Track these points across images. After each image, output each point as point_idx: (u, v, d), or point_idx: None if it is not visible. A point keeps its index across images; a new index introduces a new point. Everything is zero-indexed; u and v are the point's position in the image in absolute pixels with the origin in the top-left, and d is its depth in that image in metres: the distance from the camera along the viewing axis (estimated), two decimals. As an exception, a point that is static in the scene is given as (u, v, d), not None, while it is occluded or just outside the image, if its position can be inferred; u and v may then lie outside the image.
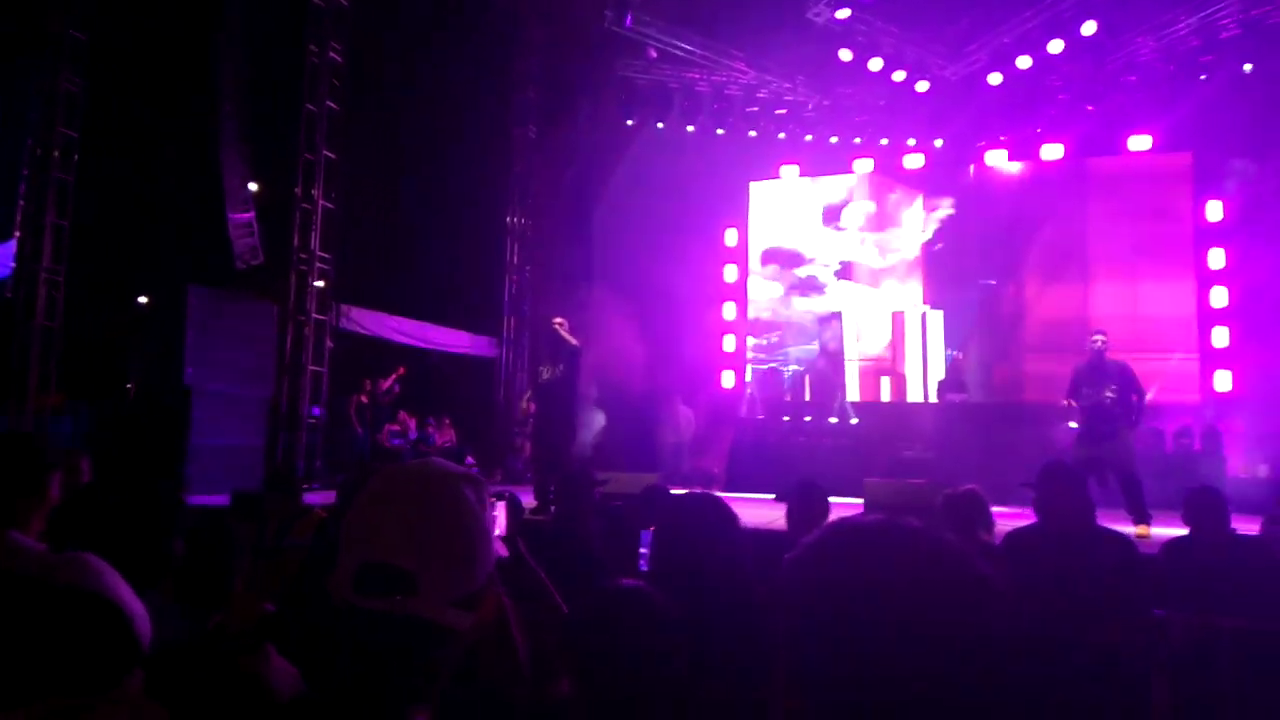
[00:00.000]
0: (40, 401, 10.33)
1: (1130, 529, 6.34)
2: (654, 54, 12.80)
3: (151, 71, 11.83)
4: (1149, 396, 7.43)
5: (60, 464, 2.42)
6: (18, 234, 10.98)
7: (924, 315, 13.58)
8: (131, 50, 11.73)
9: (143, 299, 12.97)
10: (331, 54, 10.77)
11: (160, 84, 11.74)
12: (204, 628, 2.18)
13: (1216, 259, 12.00)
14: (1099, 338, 7.23)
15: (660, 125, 13.31)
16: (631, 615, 1.69)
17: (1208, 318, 11.95)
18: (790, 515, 3.60)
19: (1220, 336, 11.80)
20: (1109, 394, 6.91)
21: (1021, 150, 13.12)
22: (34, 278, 10.68)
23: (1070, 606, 2.97)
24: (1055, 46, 11.20)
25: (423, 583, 0.96)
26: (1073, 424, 7.87)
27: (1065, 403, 7.34)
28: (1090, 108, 12.34)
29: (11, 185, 11.40)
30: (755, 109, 13.49)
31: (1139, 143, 12.45)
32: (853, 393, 13.63)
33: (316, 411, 10.52)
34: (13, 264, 10.98)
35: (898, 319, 13.77)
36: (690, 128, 13.41)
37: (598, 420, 11.64)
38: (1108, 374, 7.02)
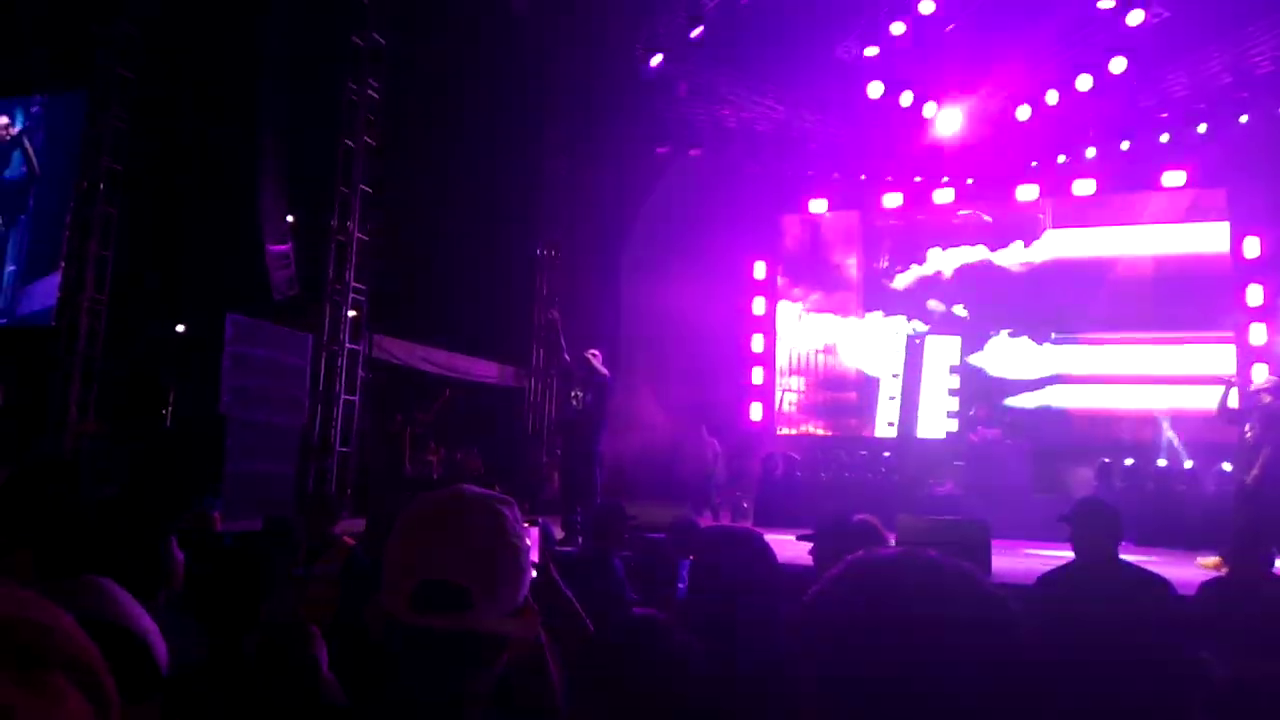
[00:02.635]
0: (80, 428, 10.54)
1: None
2: (684, 91, 12.95)
3: (194, 107, 12.18)
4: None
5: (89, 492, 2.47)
6: (63, 264, 11.29)
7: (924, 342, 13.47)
8: (175, 86, 12.10)
9: (181, 328, 13.22)
10: (369, 91, 11.03)
11: (202, 119, 12.07)
12: (234, 649, 2.21)
13: (1255, 296, 11.82)
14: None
15: (693, 154, 13.41)
16: (647, 645, 1.70)
17: (1248, 355, 11.76)
18: (819, 553, 3.51)
19: (1260, 374, 11.57)
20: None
21: (1053, 186, 13.06)
22: (77, 307, 10.96)
23: (1104, 646, 2.93)
24: (1084, 83, 11.20)
25: (477, 598, 1.00)
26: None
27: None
28: (1123, 143, 12.28)
29: (57, 219, 11.74)
30: (784, 144, 13.58)
31: (1173, 179, 12.35)
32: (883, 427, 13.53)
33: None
34: (58, 294, 11.27)
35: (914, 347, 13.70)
36: (720, 160, 13.52)
37: None
38: None
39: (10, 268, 12.53)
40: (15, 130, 12.88)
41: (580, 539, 7.45)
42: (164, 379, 12.70)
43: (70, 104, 12.34)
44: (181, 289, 12.56)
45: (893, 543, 6.80)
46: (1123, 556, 3.27)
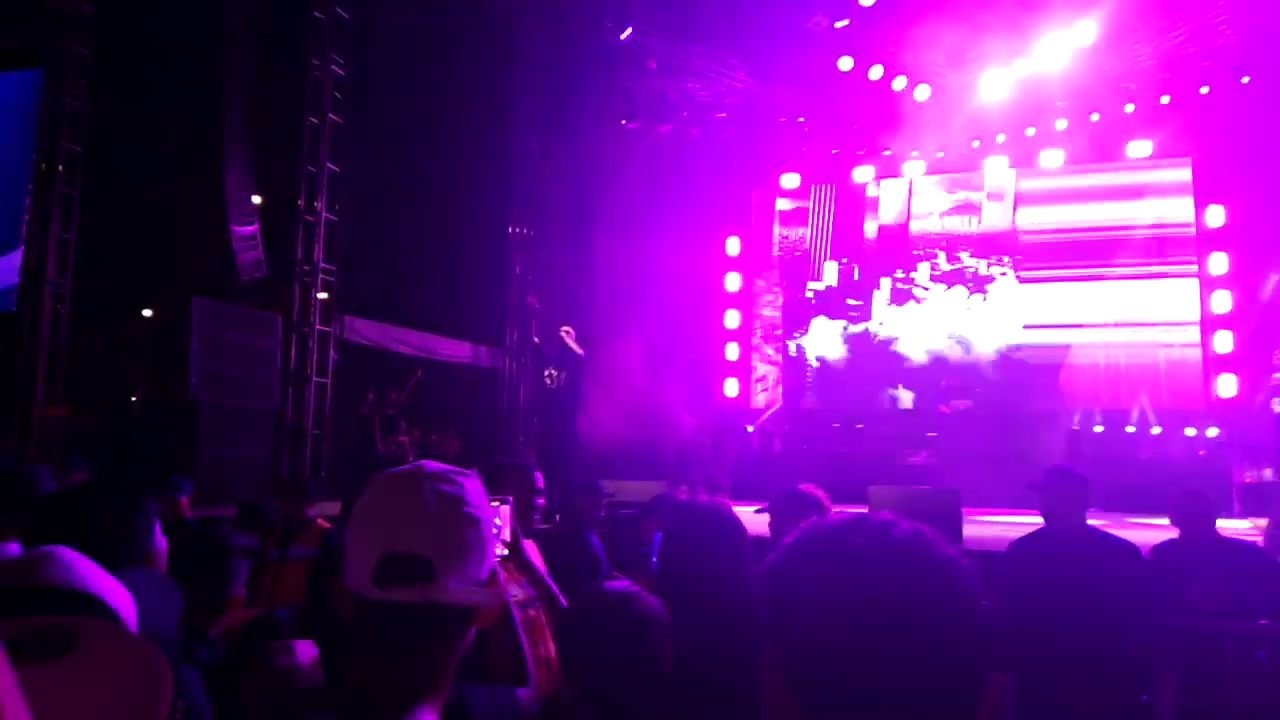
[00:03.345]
0: (45, 413, 10.36)
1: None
2: (654, 65, 12.86)
3: (156, 86, 11.91)
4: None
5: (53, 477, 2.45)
6: (23, 246, 11.05)
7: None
8: (136, 65, 11.82)
9: (147, 312, 13.01)
10: (333, 66, 10.83)
11: (164, 98, 11.81)
12: (200, 636, 2.20)
13: (1219, 264, 12.01)
14: None
15: (657, 128, 13.36)
16: (615, 615, 1.72)
17: (1210, 323, 11.96)
18: (774, 524, 3.56)
19: (1224, 341, 11.80)
20: None
21: (1022, 157, 13.15)
22: (39, 291, 10.74)
23: (1073, 611, 2.98)
24: (1054, 53, 11.24)
25: (440, 570, 0.99)
26: None
27: None
28: (1091, 115, 12.37)
29: (16, 198, 11.49)
30: (755, 118, 13.54)
31: (1139, 149, 12.48)
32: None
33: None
34: (18, 276, 11.05)
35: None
36: (691, 135, 13.47)
37: None
38: None
39: None
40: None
41: (556, 516, 7.47)
42: (132, 363, 12.51)
43: (25, 81, 12.04)
44: (147, 272, 12.34)
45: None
46: (1090, 522, 3.33)
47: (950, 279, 13.54)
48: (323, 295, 10.76)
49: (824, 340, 14.19)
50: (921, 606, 0.71)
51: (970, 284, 13.41)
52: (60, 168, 10.94)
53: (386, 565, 0.99)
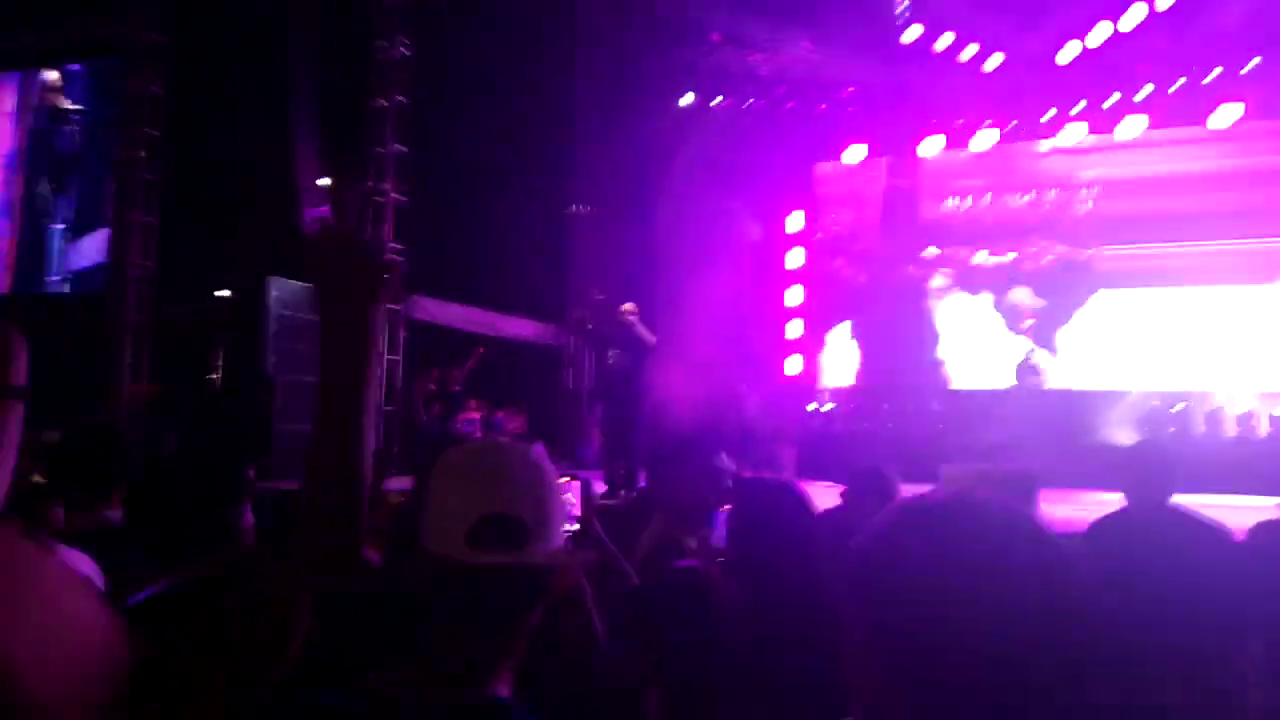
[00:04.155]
0: (134, 392, 10.82)
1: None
2: (717, 38, 12.70)
3: (227, 72, 12.22)
4: None
5: (141, 451, 2.55)
6: (108, 229, 11.51)
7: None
8: (209, 52, 12.14)
9: (225, 292, 13.44)
10: (400, 48, 10.96)
11: (237, 83, 12.12)
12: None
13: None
14: None
15: (719, 104, 13.21)
16: (686, 594, 1.72)
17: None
18: (851, 501, 3.52)
19: (1318, 315, 11.22)
20: None
21: (1101, 124, 12.61)
22: (124, 274, 11.18)
23: (1158, 597, 2.88)
24: (1136, 14, 10.75)
25: (532, 532, 1.02)
26: None
27: None
28: (1176, 77, 11.80)
29: (100, 180, 12.01)
30: (819, 91, 13.28)
31: (1229, 111, 11.86)
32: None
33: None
34: (101, 257, 11.55)
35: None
36: (751, 108, 13.29)
37: None
38: None
39: (59, 225, 13.10)
40: (67, 103, 13.25)
41: (622, 493, 7.52)
42: (212, 342, 12.97)
43: (109, 70, 12.54)
44: (223, 253, 12.74)
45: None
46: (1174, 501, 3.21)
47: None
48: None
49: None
50: (1031, 592, 0.69)
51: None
52: (141, 153, 11.34)
53: (482, 528, 1.01)
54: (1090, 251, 12.64)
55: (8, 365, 1.22)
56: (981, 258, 13.38)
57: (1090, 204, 12.85)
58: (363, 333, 1.13)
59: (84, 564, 1.47)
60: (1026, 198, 13.27)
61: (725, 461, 3.42)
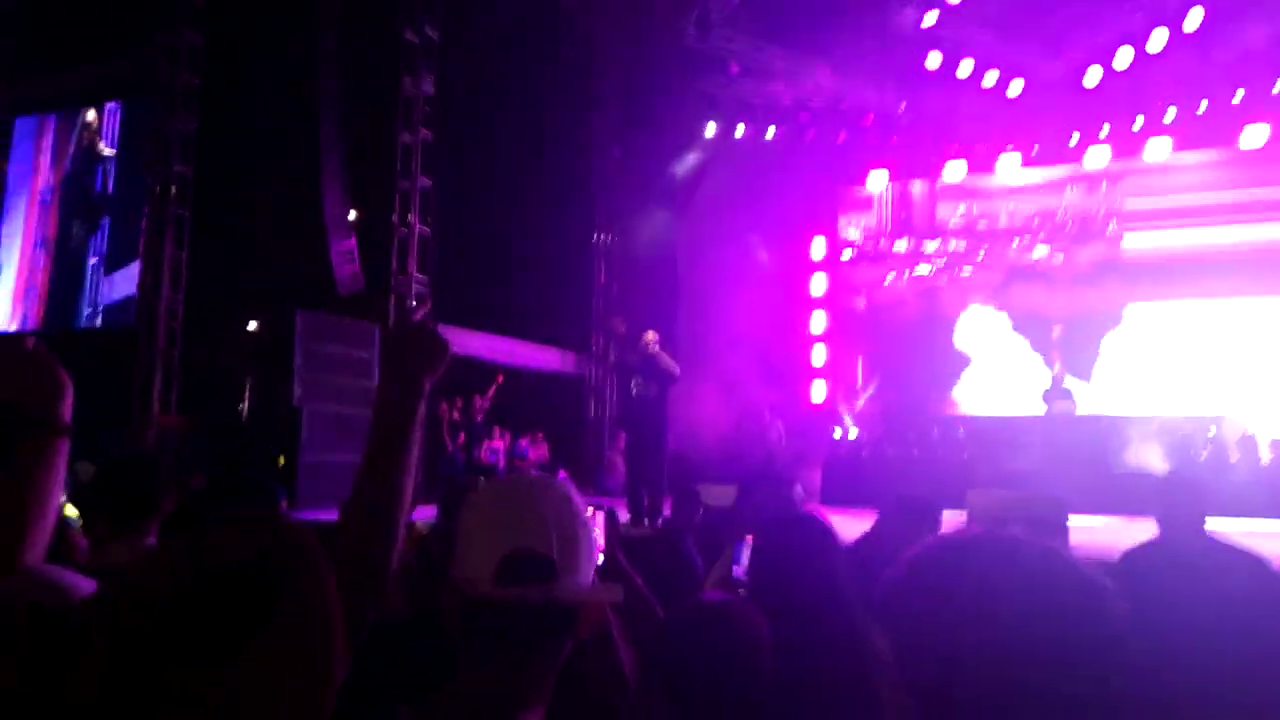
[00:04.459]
0: (162, 423, 10.96)
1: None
2: (736, 69, 12.79)
3: (257, 109, 12.49)
4: None
5: (173, 481, 2.58)
6: (139, 263, 11.73)
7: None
8: (239, 90, 12.42)
9: (253, 325, 13.63)
10: (424, 85, 11.15)
11: (265, 121, 12.37)
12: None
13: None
14: None
15: (741, 132, 13.29)
16: (715, 630, 1.69)
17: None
18: (882, 532, 3.44)
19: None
20: None
21: (1126, 148, 12.55)
22: (154, 307, 11.37)
23: (1196, 629, 2.81)
24: (1158, 39, 10.72)
25: (560, 569, 1.02)
26: None
27: None
28: (1200, 100, 11.73)
29: (133, 216, 12.28)
30: (840, 119, 13.33)
31: (1255, 133, 11.76)
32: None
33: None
34: (132, 290, 11.77)
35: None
36: (772, 137, 13.35)
37: None
38: None
39: (93, 260, 13.47)
40: (103, 145, 13.64)
41: (646, 522, 7.48)
42: (240, 374, 13.13)
43: (142, 108, 12.87)
44: (253, 286, 12.94)
45: (963, 519, 6.66)
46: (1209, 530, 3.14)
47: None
48: (416, 305, 11.07)
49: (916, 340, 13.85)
50: (1062, 631, 0.68)
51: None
52: (173, 189, 11.57)
53: (510, 564, 1.01)
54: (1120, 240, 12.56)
55: (57, 402, 1.26)
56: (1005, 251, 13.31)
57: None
58: (418, 395, 1.29)
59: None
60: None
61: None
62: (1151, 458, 9.99)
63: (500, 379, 12.29)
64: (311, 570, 0.74)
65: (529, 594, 1.00)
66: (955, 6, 11.08)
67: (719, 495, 7.18)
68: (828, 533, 2.29)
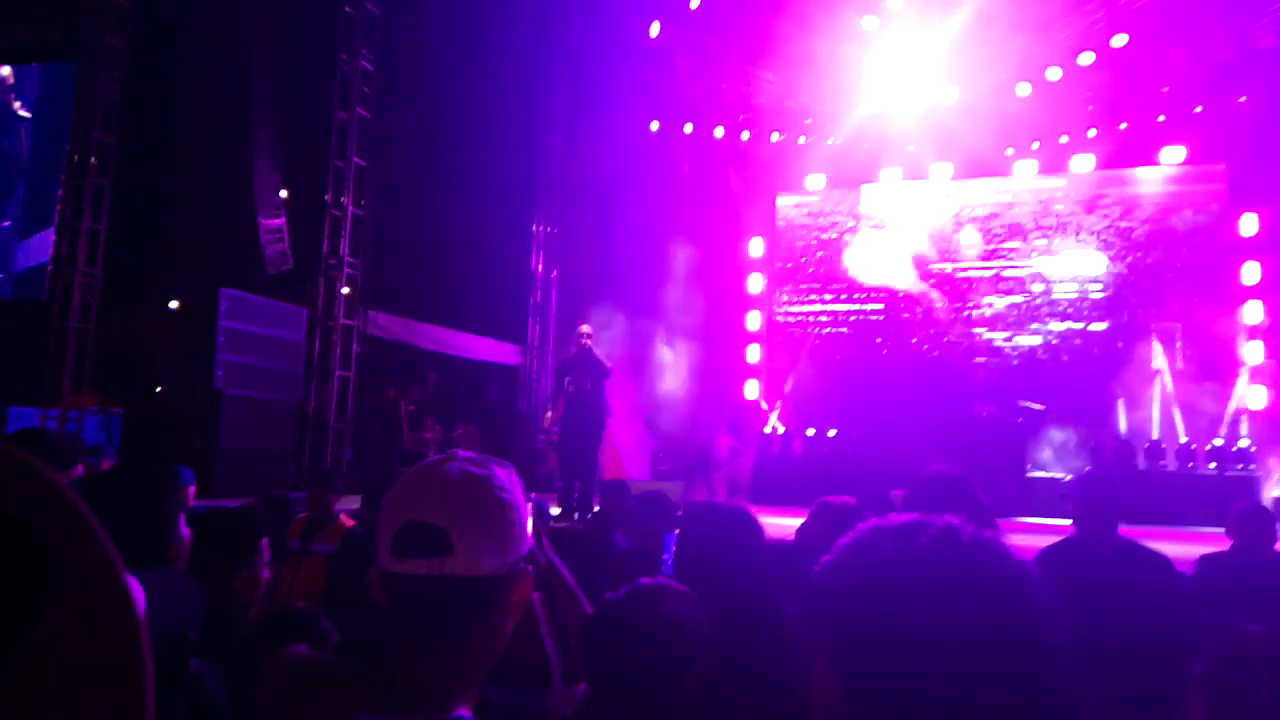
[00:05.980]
0: (73, 402, 10.48)
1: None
2: (681, 65, 12.82)
3: (186, 80, 12.03)
4: None
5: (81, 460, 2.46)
6: (54, 236, 11.20)
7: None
8: (167, 59, 11.95)
9: (174, 303, 13.15)
10: (362, 62, 10.88)
11: (195, 91, 11.93)
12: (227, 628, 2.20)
13: (1251, 274, 11.80)
14: None
15: (689, 129, 13.34)
16: (645, 614, 1.69)
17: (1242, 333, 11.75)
18: (812, 530, 3.50)
19: (1255, 352, 11.60)
20: None
21: (1052, 163, 12.99)
22: (69, 280, 10.86)
23: (1105, 621, 2.92)
24: (1085, 59, 11.13)
25: (457, 542, 0.99)
26: None
27: None
28: (1122, 120, 12.21)
29: (49, 184, 11.73)
30: (781, 119, 13.48)
31: (1172, 154, 12.30)
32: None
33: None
34: (48, 259, 11.24)
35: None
36: (716, 135, 13.43)
37: None
38: None
39: (5, 224, 12.86)
40: (19, 106, 12.99)
41: (576, 515, 7.46)
42: (157, 354, 12.66)
43: (64, 74, 12.29)
44: (175, 263, 12.48)
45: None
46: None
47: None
48: (347, 290, 10.80)
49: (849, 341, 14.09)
50: (994, 619, 0.68)
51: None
52: (92, 159, 11.06)
53: (403, 535, 0.99)
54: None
55: None
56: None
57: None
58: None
59: None
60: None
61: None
62: (1065, 459, 10.39)
63: (433, 377, 12.13)
64: (88, 532, 0.56)
65: (419, 567, 0.98)
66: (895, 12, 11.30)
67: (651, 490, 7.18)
68: (753, 523, 2.31)
